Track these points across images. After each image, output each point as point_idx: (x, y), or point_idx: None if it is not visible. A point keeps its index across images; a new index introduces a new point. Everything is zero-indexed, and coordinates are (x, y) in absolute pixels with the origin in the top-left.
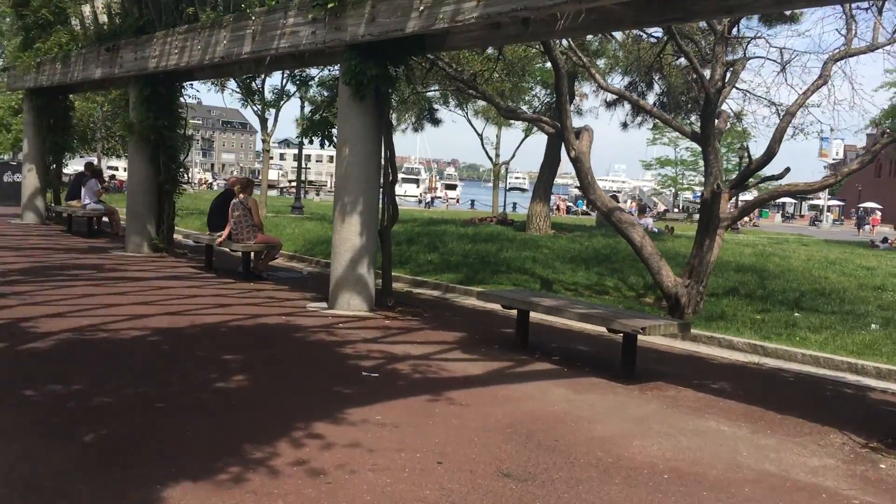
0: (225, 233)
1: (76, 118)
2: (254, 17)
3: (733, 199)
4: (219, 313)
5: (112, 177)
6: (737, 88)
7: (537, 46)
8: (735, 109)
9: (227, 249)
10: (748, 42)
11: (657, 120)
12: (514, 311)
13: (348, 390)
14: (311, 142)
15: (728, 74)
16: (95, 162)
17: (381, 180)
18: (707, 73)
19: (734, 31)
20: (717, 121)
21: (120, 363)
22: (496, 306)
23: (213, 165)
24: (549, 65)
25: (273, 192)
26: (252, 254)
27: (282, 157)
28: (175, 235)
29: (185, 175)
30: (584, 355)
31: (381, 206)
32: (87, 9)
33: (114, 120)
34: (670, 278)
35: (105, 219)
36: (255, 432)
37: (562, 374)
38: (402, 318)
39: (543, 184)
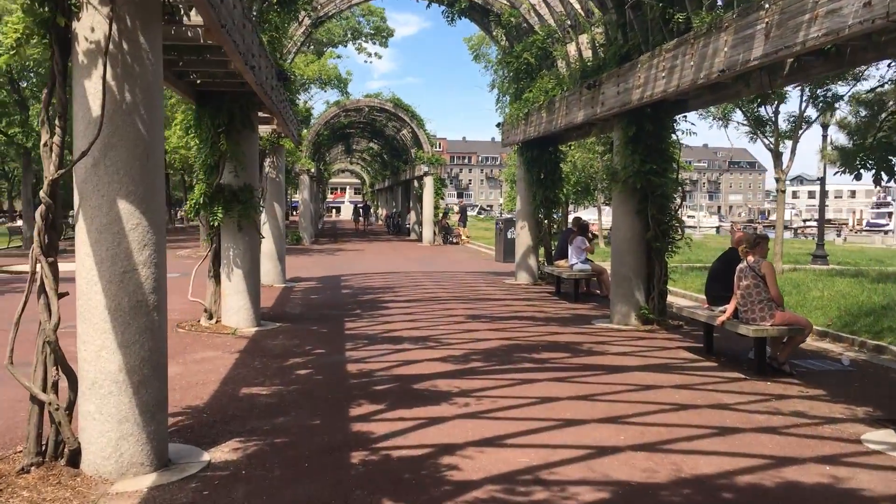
0: (730, 309)
1: (577, 169)
2: (767, 6)
3: None
4: (719, 451)
5: None
6: None
7: None
8: None
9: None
10: None
11: None
12: None
13: None
14: (857, 177)
15: None
16: (594, 217)
17: None
18: None
19: None
20: None
21: None
22: None
23: (719, 208)
24: None
25: (786, 234)
26: (769, 338)
27: (794, 194)
28: (670, 298)
29: (680, 229)
30: None
31: None
32: (571, 48)
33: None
34: None
35: (594, 278)
36: None
37: None
38: None
39: None
